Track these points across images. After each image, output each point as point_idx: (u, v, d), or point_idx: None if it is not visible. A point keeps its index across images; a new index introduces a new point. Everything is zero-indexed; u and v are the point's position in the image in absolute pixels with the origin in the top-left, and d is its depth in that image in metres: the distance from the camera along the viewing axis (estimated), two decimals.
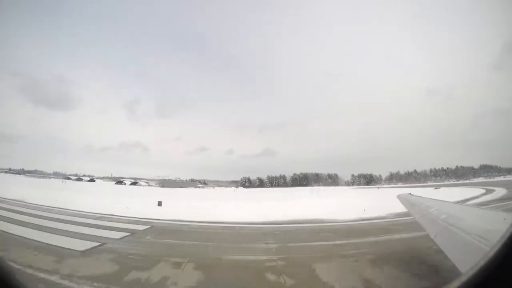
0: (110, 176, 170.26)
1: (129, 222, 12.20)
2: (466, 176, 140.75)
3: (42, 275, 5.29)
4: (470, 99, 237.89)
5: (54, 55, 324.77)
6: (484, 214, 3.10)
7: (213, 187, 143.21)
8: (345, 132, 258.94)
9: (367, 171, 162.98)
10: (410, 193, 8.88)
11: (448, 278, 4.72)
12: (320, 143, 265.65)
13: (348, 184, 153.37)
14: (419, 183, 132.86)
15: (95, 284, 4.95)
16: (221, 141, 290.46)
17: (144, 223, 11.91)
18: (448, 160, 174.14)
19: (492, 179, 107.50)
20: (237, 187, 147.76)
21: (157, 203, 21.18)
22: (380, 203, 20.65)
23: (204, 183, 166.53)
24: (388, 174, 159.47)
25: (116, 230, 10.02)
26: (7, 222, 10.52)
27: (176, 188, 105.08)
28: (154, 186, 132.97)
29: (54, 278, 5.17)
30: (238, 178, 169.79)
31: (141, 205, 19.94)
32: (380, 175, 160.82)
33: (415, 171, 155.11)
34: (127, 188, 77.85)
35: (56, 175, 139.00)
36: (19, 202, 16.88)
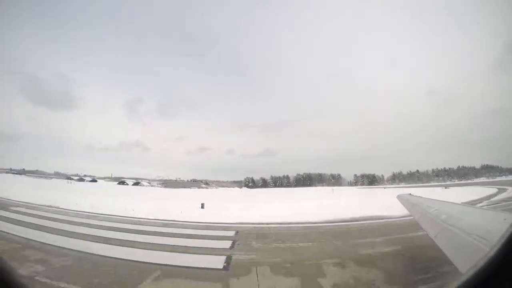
0: (110, 176, 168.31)
1: (206, 228, 11.28)
2: (468, 176, 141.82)
3: None
4: (470, 99, 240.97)
5: (55, 55, 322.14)
6: (484, 214, 3.00)
7: (216, 187, 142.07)
8: (346, 132, 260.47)
9: (368, 171, 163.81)
10: (410, 193, 8.88)
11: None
12: (320, 143, 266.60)
13: (351, 184, 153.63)
14: (422, 183, 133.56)
15: None
16: (222, 141, 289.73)
17: (224, 228, 11.18)
18: (449, 160, 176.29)
19: (495, 179, 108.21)
20: (240, 187, 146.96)
21: (200, 206, 20.58)
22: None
23: (206, 183, 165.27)
24: (390, 174, 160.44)
25: (209, 239, 9.07)
26: (115, 244, 8.02)
27: (180, 189, 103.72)
28: (157, 186, 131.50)
29: None
30: (238, 178, 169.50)
31: (184, 208, 19.19)
32: (382, 175, 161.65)
33: (417, 171, 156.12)
34: (134, 189, 76.56)
35: (57, 175, 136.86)
36: (56, 209, 15.27)
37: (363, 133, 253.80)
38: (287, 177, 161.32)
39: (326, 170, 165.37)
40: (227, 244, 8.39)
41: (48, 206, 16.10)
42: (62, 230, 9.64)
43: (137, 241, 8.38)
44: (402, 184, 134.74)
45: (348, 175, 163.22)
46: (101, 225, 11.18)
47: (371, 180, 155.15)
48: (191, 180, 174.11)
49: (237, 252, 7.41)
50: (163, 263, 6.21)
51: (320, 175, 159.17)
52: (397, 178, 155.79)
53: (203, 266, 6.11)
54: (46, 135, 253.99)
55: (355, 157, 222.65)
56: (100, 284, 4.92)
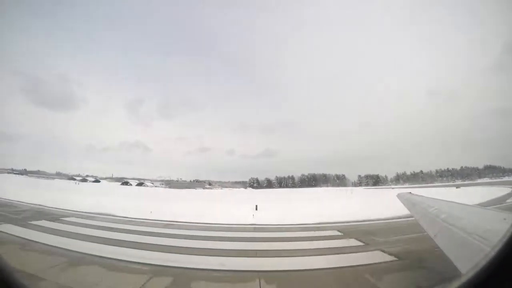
0: (111, 176, 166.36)
1: (307, 229, 10.48)
2: (471, 176, 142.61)
3: None
4: (471, 99, 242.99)
5: (57, 55, 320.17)
6: (484, 213, 2.96)
7: (221, 188, 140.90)
8: (346, 132, 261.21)
9: (370, 171, 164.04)
10: (410, 192, 8.82)
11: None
12: (321, 143, 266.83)
13: (355, 184, 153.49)
14: (426, 183, 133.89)
15: None
16: (222, 141, 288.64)
17: (321, 229, 10.55)
18: (451, 160, 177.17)
19: (500, 179, 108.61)
20: (245, 187, 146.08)
21: (255, 207, 19.80)
22: None
23: (209, 184, 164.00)
24: (394, 175, 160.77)
25: (331, 239, 8.56)
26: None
27: (186, 189, 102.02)
28: (160, 187, 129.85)
29: None
30: (239, 179, 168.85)
31: (239, 210, 18.25)
32: (386, 176, 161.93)
33: (421, 171, 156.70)
34: (146, 190, 75.07)
35: (59, 175, 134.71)
36: (114, 217, 13.42)
37: (363, 133, 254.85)
38: (292, 178, 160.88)
39: (328, 171, 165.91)
40: (359, 242, 7.80)
41: (102, 214, 14.16)
42: (180, 247, 7.79)
43: (282, 249, 7.36)
44: (407, 185, 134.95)
45: (351, 176, 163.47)
46: (210, 236, 9.33)
47: (375, 180, 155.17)
48: (193, 180, 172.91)
49: (389, 248, 6.85)
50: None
51: (324, 175, 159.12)
52: (401, 179, 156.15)
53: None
54: (46, 135, 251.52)
55: (357, 158, 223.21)
56: None
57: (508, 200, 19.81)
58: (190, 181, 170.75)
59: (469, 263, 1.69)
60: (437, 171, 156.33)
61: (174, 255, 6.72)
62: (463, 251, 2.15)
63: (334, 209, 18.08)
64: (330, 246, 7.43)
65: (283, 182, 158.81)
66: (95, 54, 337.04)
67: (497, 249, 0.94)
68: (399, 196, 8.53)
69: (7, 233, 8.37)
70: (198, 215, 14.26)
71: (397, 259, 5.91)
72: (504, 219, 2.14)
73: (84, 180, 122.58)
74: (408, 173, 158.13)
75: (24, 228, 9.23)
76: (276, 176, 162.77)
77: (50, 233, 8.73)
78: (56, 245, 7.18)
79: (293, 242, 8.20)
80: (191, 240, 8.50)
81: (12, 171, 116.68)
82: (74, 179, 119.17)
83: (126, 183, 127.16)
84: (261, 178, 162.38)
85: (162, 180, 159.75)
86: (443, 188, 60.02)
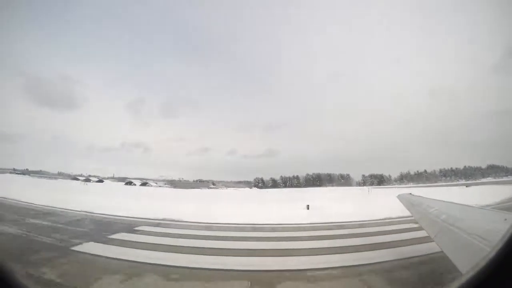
0: (112, 176, 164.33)
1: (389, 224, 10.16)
2: (475, 176, 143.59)
3: None
4: (473, 100, 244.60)
5: (58, 55, 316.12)
6: (484, 214, 2.92)
7: (225, 188, 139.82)
8: (349, 132, 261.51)
9: (373, 171, 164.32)
10: (410, 193, 8.78)
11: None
12: (323, 143, 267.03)
13: (359, 184, 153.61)
14: (430, 183, 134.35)
15: None
16: (223, 141, 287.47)
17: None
18: (454, 160, 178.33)
19: (505, 178, 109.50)
20: (250, 187, 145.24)
21: (306, 207, 19.07)
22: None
23: (213, 183, 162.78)
24: (398, 174, 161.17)
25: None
26: None
27: (192, 189, 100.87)
28: (164, 187, 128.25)
29: None
30: (240, 179, 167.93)
31: (291, 210, 17.64)
32: (389, 175, 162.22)
33: (425, 171, 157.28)
34: (153, 190, 73.80)
35: (61, 175, 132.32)
36: (183, 223, 12.39)
37: (366, 133, 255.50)
38: (297, 178, 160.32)
39: (330, 170, 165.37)
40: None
41: (168, 220, 13.17)
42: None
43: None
44: (411, 184, 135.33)
45: (355, 175, 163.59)
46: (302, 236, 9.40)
47: (379, 180, 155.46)
48: (197, 180, 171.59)
49: None
50: None
51: (329, 175, 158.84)
52: (405, 178, 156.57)
53: None
54: (47, 135, 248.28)
55: (359, 158, 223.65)
56: None
57: None
58: (194, 181, 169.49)
59: (469, 264, 1.67)
60: (440, 171, 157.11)
61: (271, 258, 6.56)
62: (463, 251, 2.13)
63: (391, 204, 17.44)
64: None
65: (288, 182, 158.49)
66: (96, 54, 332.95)
67: (497, 249, 0.94)
68: (400, 197, 8.40)
69: (96, 255, 6.82)
70: (253, 216, 14.01)
71: None
72: (505, 219, 2.12)
73: (87, 180, 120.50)
74: (412, 172, 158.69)
75: (108, 245, 7.96)
76: (281, 176, 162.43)
77: (140, 248, 7.68)
78: (157, 262, 6.34)
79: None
80: (283, 242, 8.57)
81: (14, 171, 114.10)
82: (78, 179, 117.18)
83: (130, 183, 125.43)
84: (262, 178, 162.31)
85: (164, 180, 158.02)
86: (455, 188, 60.05)
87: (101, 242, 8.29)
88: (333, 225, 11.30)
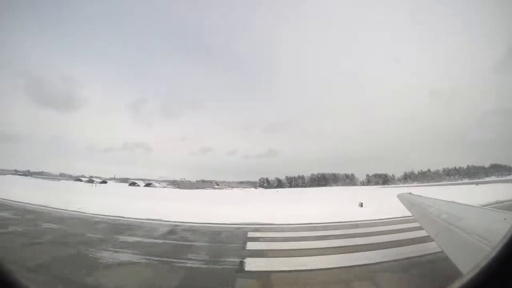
0: (113, 177, 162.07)
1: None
2: (478, 175, 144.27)
3: None
4: (474, 99, 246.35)
5: (59, 56, 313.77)
6: (484, 214, 2.84)
7: (230, 188, 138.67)
8: (352, 132, 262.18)
9: (377, 170, 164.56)
10: (410, 193, 8.70)
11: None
12: (324, 143, 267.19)
13: (363, 184, 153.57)
14: (435, 181, 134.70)
15: None
16: (224, 141, 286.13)
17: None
18: (457, 159, 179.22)
19: (509, 177, 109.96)
20: (255, 187, 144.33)
21: (359, 205, 18.64)
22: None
23: (217, 183, 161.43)
24: (401, 173, 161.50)
25: None
26: None
27: (198, 190, 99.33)
28: (168, 187, 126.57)
29: None
30: (241, 179, 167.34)
31: (344, 208, 17.28)
32: (393, 175, 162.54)
33: (429, 170, 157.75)
34: (160, 191, 72.36)
35: (63, 176, 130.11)
36: (273, 226, 11.33)
37: (367, 133, 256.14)
38: (302, 177, 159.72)
39: (333, 170, 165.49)
40: None
41: (255, 224, 11.81)
42: None
43: None
44: (416, 183, 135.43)
45: (359, 175, 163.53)
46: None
47: (384, 179, 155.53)
48: (199, 180, 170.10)
49: None
50: None
51: (334, 175, 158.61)
52: (409, 178, 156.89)
53: None
54: (48, 136, 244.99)
55: (361, 157, 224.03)
56: None
57: None
58: (196, 181, 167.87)
59: (469, 263, 1.68)
60: (444, 170, 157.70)
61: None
62: (463, 251, 2.09)
63: None
64: None
65: (293, 182, 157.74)
66: (97, 54, 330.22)
67: (497, 249, 0.94)
68: (399, 196, 8.43)
69: (265, 270, 5.51)
70: (319, 216, 13.90)
71: None
72: (505, 219, 2.11)
73: (90, 180, 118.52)
74: (415, 172, 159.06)
75: (265, 258, 6.68)
76: (286, 176, 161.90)
77: (280, 256, 6.79)
78: (301, 268, 5.75)
79: None
80: (373, 237, 8.84)
81: (16, 172, 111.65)
82: (81, 180, 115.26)
83: (133, 184, 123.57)
84: (267, 178, 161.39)
85: (166, 180, 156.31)
86: (464, 186, 59.64)
87: (256, 256, 6.82)
88: (400, 220, 11.81)
